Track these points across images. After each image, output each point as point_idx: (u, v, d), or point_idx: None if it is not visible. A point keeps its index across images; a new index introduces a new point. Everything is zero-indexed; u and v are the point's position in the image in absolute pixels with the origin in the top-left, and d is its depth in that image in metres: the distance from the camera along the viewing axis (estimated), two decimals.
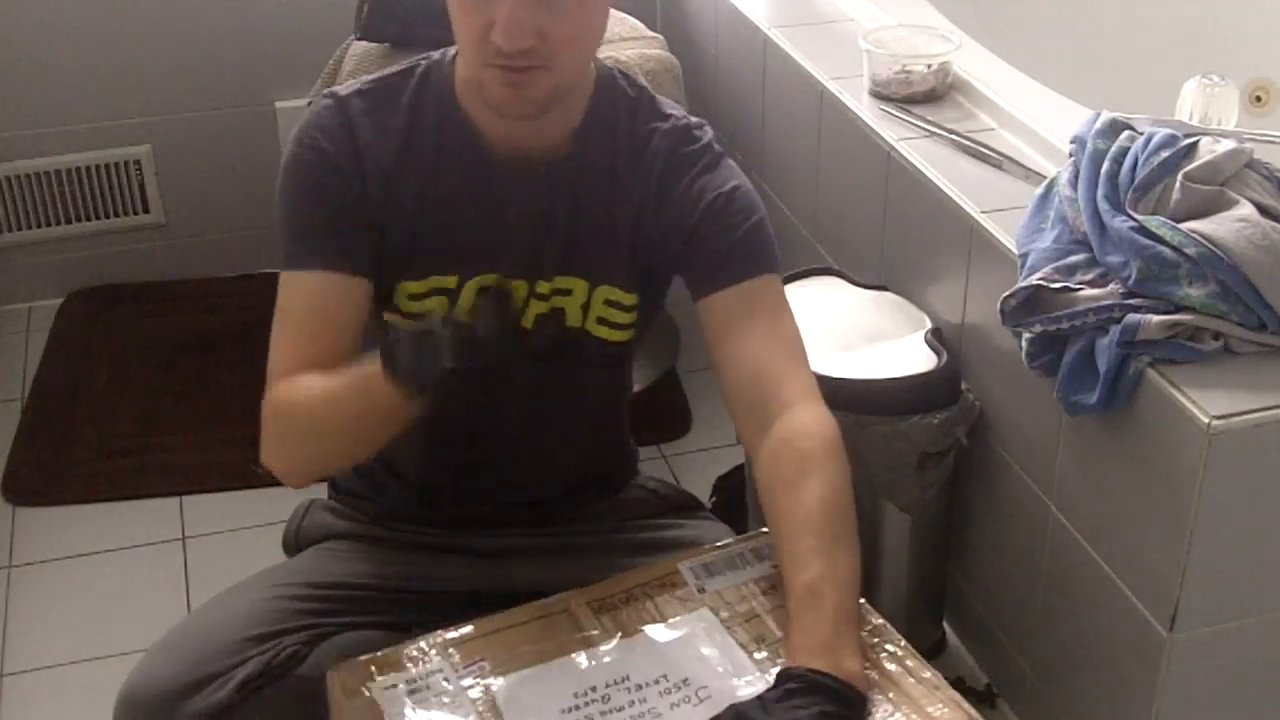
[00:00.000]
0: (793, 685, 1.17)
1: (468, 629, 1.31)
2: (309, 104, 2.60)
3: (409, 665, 1.26)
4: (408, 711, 1.22)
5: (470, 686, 1.24)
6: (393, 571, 1.50)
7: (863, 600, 1.31)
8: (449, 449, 1.56)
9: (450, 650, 1.28)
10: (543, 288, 1.46)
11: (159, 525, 2.41)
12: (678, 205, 1.45)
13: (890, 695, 1.20)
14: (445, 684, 1.24)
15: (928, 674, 1.22)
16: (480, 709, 1.22)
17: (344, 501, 1.63)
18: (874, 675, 1.23)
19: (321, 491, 1.66)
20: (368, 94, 1.45)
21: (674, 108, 1.51)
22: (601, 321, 1.49)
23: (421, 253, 1.44)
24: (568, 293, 1.47)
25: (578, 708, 1.22)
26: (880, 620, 1.29)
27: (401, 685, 1.24)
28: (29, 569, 2.33)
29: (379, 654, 1.28)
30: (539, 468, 1.57)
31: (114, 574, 2.32)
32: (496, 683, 1.24)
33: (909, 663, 1.24)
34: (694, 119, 1.50)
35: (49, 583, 2.31)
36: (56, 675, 2.13)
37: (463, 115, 1.44)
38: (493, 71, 1.34)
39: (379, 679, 1.25)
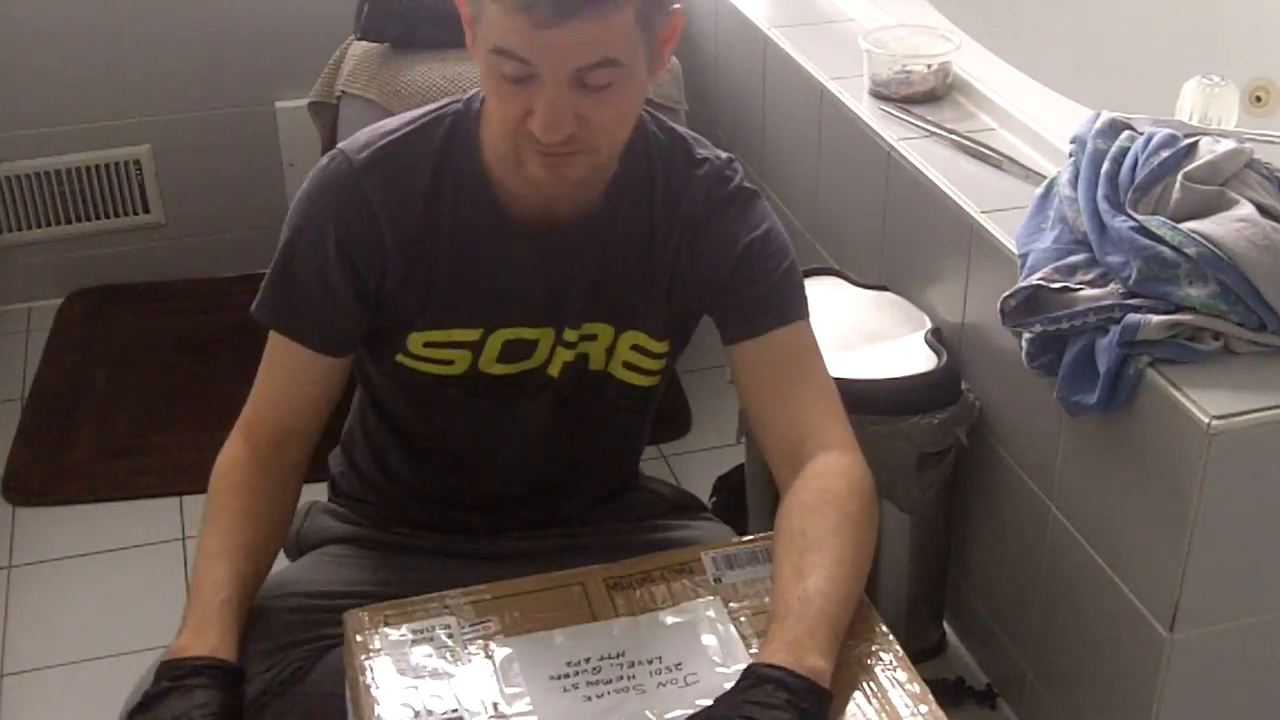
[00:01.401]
0: (748, 680, 1.18)
1: (484, 591, 1.34)
2: (309, 105, 2.61)
3: (419, 617, 1.31)
4: (407, 658, 1.26)
5: (471, 643, 1.28)
6: (394, 576, 1.50)
7: (871, 611, 1.31)
8: (453, 471, 1.56)
9: (463, 608, 1.32)
10: (570, 335, 1.46)
11: (159, 525, 2.40)
12: (712, 251, 1.44)
13: (873, 704, 1.21)
14: (448, 639, 1.28)
15: (915, 687, 1.23)
16: (475, 666, 1.26)
17: (345, 505, 1.62)
18: (862, 682, 1.23)
19: (322, 494, 1.66)
20: (386, 163, 1.40)
21: (704, 147, 1.49)
22: (628, 366, 1.49)
23: (441, 307, 1.43)
24: (593, 338, 1.47)
25: (568, 675, 1.25)
26: (883, 629, 1.30)
27: (408, 634, 1.29)
28: (29, 569, 2.33)
29: (395, 604, 1.33)
30: (548, 492, 1.58)
31: (114, 574, 2.32)
32: (497, 643, 1.28)
33: (899, 674, 1.25)
34: (724, 156, 1.48)
35: (49, 583, 2.30)
36: (56, 675, 2.13)
37: (486, 180, 1.41)
38: (531, 154, 1.32)
39: (388, 626, 1.30)
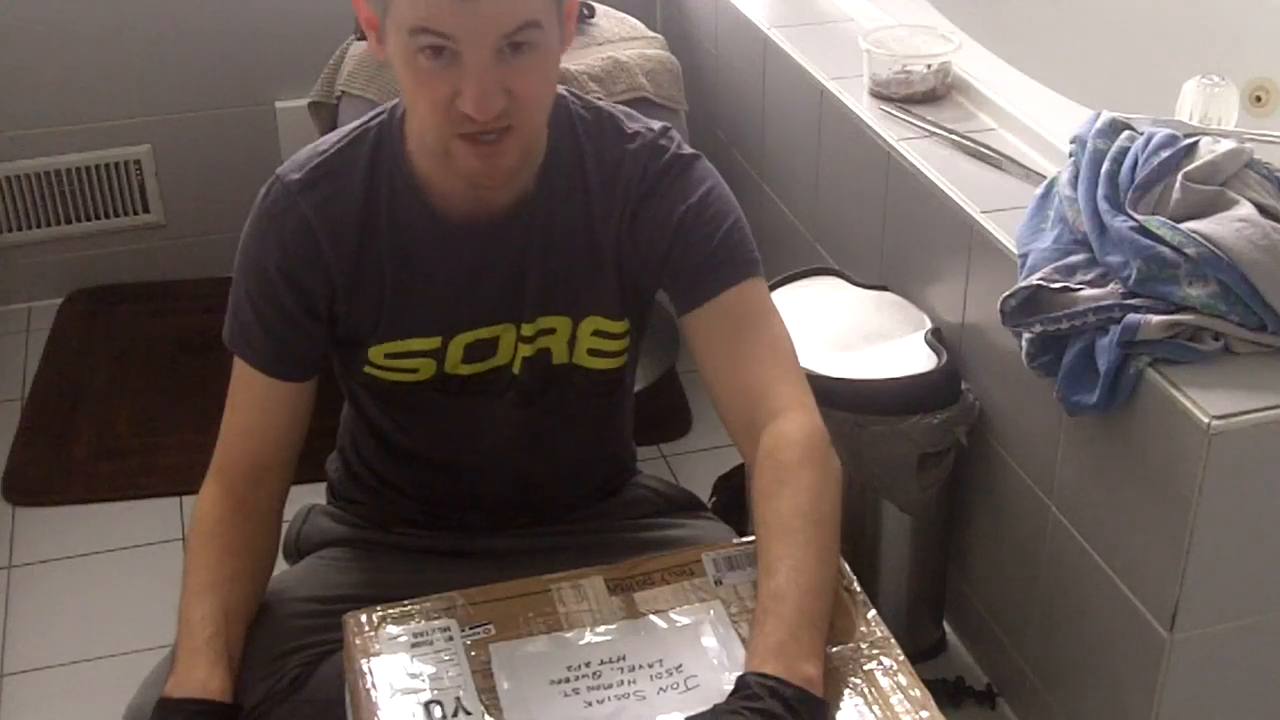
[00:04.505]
0: (742, 692, 1.17)
1: (483, 593, 1.34)
2: (309, 105, 2.61)
3: (419, 619, 1.31)
4: (406, 661, 1.26)
5: (470, 647, 1.28)
6: (393, 578, 1.50)
7: (872, 614, 1.31)
8: (437, 474, 1.56)
9: (461, 610, 1.32)
10: (527, 329, 1.45)
11: (159, 525, 2.40)
12: (651, 226, 1.42)
13: (874, 709, 1.21)
14: (448, 641, 1.28)
15: (917, 692, 1.23)
16: (474, 669, 1.25)
17: (343, 507, 1.63)
18: (863, 686, 1.23)
19: (321, 496, 1.66)
20: (320, 182, 1.41)
21: (635, 120, 1.47)
22: (593, 353, 1.48)
23: (397, 318, 1.44)
24: (551, 331, 1.46)
25: (567, 680, 1.25)
26: (883, 633, 1.29)
27: (407, 636, 1.29)
28: (29, 569, 2.33)
29: (394, 606, 1.32)
30: (537, 489, 1.58)
31: (114, 574, 2.32)
32: (497, 646, 1.28)
33: (901, 678, 1.24)
34: (657, 127, 1.46)
35: (49, 583, 2.30)
36: (56, 675, 2.13)
37: (417, 182, 1.41)
38: (462, 144, 1.31)
39: (387, 628, 1.29)
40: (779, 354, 1.41)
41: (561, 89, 1.46)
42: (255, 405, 1.45)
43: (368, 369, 1.47)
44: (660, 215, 1.42)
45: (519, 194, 1.41)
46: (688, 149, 1.46)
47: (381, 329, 1.44)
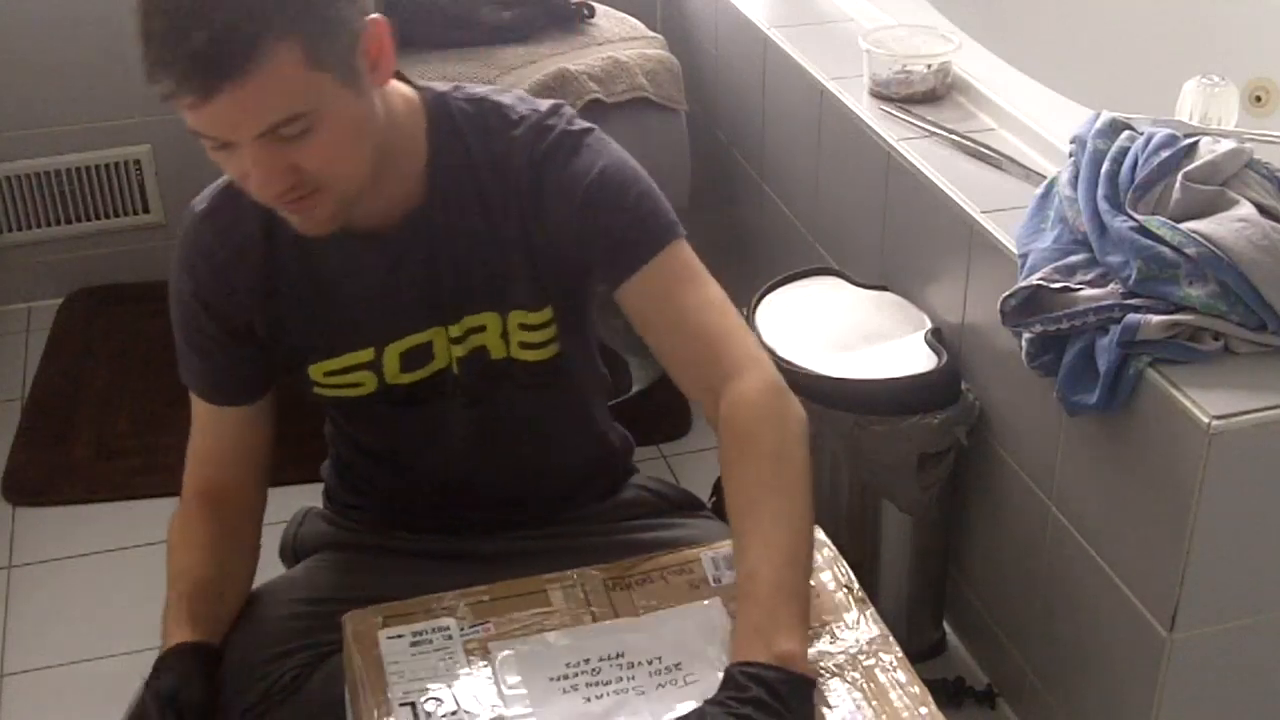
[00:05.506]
0: (728, 686, 1.17)
1: (483, 592, 1.34)
2: None
3: (418, 619, 1.31)
4: (406, 661, 1.27)
5: (470, 645, 1.28)
6: (391, 580, 1.49)
7: (871, 612, 1.31)
8: (424, 481, 1.56)
9: (461, 609, 1.32)
10: (454, 330, 1.44)
11: (159, 525, 2.38)
12: (553, 208, 1.39)
13: (873, 706, 1.21)
14: (447, 640, 1.29)
15: (915, 689, 1.23)
16: (474, 667, 1.26)
17: (339, 511, 1.62)
18: (862, 683, 1.24)
19: (318, 499, 1.66)
20: (216, 212, 1.41)
21: (520, 104, 1.42)
22: (524, 345, 1.46)
23: (326, 336, 1.44)
24: (481, 329, 1.44)
25: (566, 676, 1.25)
26: (880, 631, 1.29)
27: (406, 636, 1.29)
28: (29, 569, 2.33)
29: (394, 606, 1.33)
30: (517, 485, 1.57)
31: (114, 574, 2.32)
32: (496, 645, 1.28)
33: (899, 675, 1.24)
34: (544, 106, 1.42)
35: (49, 583, 2.31)
36: (56, 675, 2.13)
37: None
38: (277, 207, 1.30)
39: (387, 628, 1.30)
40: (719, 312, 1.38)
41: (439, 84, 1.43)
42: (208, 432, 1.48)
43: (316, 389, 1.48)
44: (563, 193, 1.38)
45: (410, 205, 1.39)
46: (580, 124, 1.42)
47: (315, 349, 1.45)
